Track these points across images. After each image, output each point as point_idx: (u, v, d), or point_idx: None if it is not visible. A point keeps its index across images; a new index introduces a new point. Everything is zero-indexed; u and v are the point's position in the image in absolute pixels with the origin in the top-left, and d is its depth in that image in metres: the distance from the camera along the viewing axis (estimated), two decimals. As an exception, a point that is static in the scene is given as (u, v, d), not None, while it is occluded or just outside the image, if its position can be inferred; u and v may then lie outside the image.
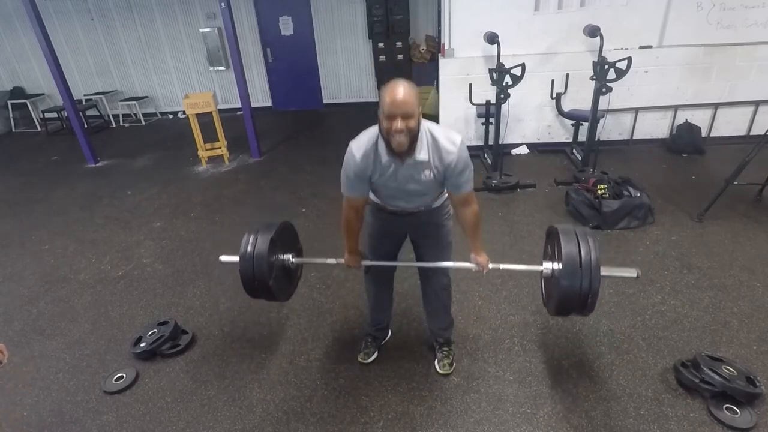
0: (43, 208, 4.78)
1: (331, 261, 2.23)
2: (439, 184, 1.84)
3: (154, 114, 8.36)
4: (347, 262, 2.12)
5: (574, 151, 5.04)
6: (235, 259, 2.09)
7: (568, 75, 4.87)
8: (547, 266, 1.97)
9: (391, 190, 1.86)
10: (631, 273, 1.94)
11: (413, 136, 1.66)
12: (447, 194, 2.03)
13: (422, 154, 1.71)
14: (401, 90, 1.59)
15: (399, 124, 1.59)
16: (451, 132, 1.76)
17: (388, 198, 1.93)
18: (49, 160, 6.41)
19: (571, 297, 1.79)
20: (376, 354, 2.47)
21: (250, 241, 2.04)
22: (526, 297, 2.87)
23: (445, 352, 2.39)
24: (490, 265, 2.02)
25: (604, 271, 1.83)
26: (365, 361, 2.43)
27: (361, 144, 1.76)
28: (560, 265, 1.80)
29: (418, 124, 1.66)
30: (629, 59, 4.01)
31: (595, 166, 4.41)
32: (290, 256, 2.22)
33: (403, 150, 1.67)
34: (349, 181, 1.83)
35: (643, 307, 2.72)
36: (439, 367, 2.36)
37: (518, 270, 2.10)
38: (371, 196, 1.99)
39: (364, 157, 1.75)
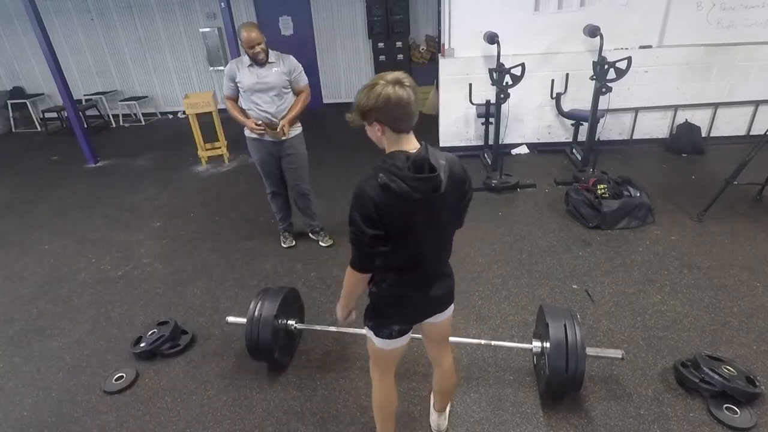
0: (43, 208, 4.78)
1: (332, 329, 2.49)
2: (286, 84, 3.05)
3: (154, 114, 8.37)
4: (254, 127, 3.05)
5: (574, 150, 5.04)
6: (242, 320, 2.31)
7: (568, 75, 4.87)
8: (537, 345, 2.16)
9: (253, 86, 2.99)
10: (616, 354, 2.08)
11: (266, 52, 2.96)
12: (299, 128, 3.23)
13: (272, 58, 3.01)
14: (254, 33, 2.86)
15: (257, 48, 2.89)
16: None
17: (251, 94, 3.01)
18: (49, 160, 6.41)
19: (560, 377, 1.96)
20: (294, 241, 3.64)
21: (257, 306, 2.30)
22: (526, 297, 2.87)
23: (321, 234, 3.60)
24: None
25: (590, 351, 2.04)
26: (291, 245, 3.60)
27: (232, 62, 3.06)
28: (548, 346, 1.99)
29: (267, 46, 2.97)
30: (629, 59, 4.01)
31: (595, 165, 4.41)
32: (293, 321, 2.45)
33: (264, 60, 2.97)
34: (227, 84, 3.08)
35: (643, 307, 2.72)
36: (323, 242, 3.57)
37: (508, 347, 2.36)
38: (242, 102, 3.11)
39: (234, 64, 3.03)
